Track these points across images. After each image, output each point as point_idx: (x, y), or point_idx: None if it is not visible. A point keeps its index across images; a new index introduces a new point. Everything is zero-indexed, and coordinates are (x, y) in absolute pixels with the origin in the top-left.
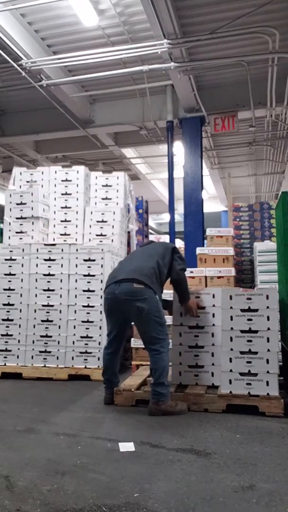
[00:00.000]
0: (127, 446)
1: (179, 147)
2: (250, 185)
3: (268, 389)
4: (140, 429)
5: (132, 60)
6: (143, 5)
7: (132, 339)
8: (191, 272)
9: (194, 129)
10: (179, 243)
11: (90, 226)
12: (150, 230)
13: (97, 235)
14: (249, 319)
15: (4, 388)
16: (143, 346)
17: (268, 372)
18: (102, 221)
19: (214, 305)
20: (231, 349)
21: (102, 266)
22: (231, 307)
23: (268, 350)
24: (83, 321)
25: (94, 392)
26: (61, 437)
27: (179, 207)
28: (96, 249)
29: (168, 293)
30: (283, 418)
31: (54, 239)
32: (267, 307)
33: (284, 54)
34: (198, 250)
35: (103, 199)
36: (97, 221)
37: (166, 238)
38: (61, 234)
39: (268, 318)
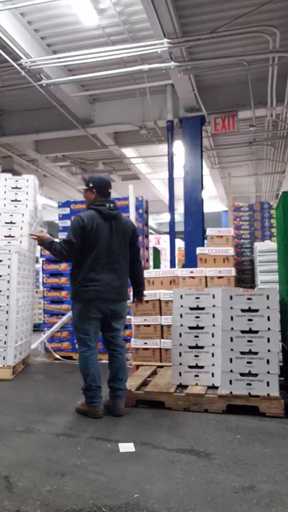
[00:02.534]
0: (127, 447)
1: (179, 147)
2: (250, 185)
3: (269, 389)
4: (140, 430)
5: (132, 60)
6: (143, 5)
7: (132, 339)
8: (191, 272)
9: (194, 129)
10: (179, 243)
11: None
12: (150, 230)
13: (5, 236)
14: (250, 319)
15: (2, 389)
16: (143, 347)
17: (268, 372)
18: (11, 223)
19: (214, 305)
20: (232, 350)
21: (9, 266)
22: (231, 307)
23: (269, 351)
24: None
25: None
26: (61, 438)
27: (179, 207)
28: (3, 249)
29: (168, 292)
30: (284, 418)
31: None
32: (268, 307)
33: (284, 54)
34: (198, 250)
35: (12, 201)
36: (6, 223)
37: (166, 238)
38: None
39: (268, 318)
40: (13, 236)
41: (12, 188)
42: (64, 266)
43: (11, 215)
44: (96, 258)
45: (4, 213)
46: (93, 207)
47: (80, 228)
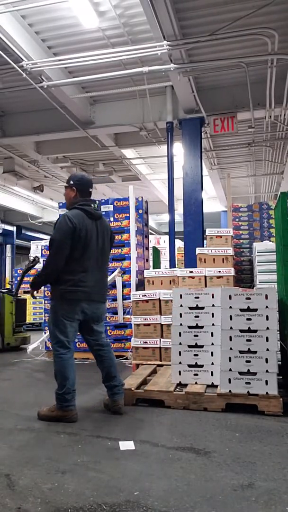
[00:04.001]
0: (127, 445)
1: (179, 148)
2: (249, 185)
3: (267, 388)
4: (140, 428)
5: (132, 62)
6: (143, 7)
7: (132, 338)
8: (191, 272)
9: (194, 130)
10: (179, 243)
11: None
12: (150, 230)
13: None
14: (248, 319)
15: (2, 387)
16: (143, 346)
17: (267, 371)
18: None
19: (213, 305)
20: (231, 349)
21: None
22: (230, 307)
23: (267, 350)
24: None
25: (93, 391)
26: (62, 436)
27: (179, 207)
28: None
29: (168, 292)
30: (282, 417)
31: None
32: (266, 307)
33: (283, 56)
34: (198, 250)
35: None
36: None
37: (166, 238)
38: None
39: (267, 317)
40: None
41: None
42: None
43: None
44: (86, 259)
45: None
46: (79, 206)
47: (70, 230)
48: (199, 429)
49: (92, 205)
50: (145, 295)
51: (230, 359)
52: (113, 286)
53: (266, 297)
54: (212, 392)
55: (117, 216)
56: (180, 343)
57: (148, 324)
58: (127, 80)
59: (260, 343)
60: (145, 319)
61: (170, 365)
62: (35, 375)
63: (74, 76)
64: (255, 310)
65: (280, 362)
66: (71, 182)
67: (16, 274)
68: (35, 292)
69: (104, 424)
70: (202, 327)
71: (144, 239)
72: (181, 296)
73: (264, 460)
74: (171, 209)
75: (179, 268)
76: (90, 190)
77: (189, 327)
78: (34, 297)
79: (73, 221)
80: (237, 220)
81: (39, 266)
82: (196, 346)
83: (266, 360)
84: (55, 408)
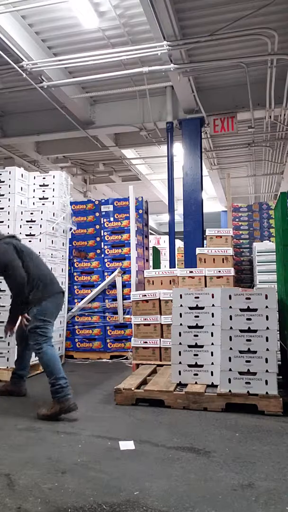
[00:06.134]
0: (127, 445)
1: (179, 148)
2: (249, 185)
3: (267, 388)
4: (140, 428)
5: (132, 62)
6: (143, 7)
7: (132, 338)
8: (191, 272)
9: (194, 130)
10: (179, 243)
11: (21, 226)
12: (150, 230)
13: (26, 235)
14: (248, 319)
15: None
16: (143, 346)
17: (267, 371)
18: (31, 221)
19: (213, 305)
20: (230, 348)
21: None
22: (230, 307)
23: (267, 349)
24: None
25: (93, 391)
26: (62, 436)
27: (179, 207)
28: None
29: (168, 292)
30: (282, 416)
31: None
32: (266, 307)
33: (283, 56)
34: (198, 250)
35: (40, 198)
36: (27, 221)
37: (165, 238)
38: None
39: (267, 317)
40: (33, 235)
41: (40, 186)
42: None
43: (31, 213)
44: (40, 264)
45: (25, 212)
46: (2, 237)
47: (11, 248)
48: (199, 429)
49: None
50: (145, 295)
51: (230, 359)
52: (113, 286)
53: (266, 297)
54: (212, 392)
55: (117, 216)
56: (180, 343)
57: (148, 324)
58: (127, 80)
59: (260, 343)
60: (145, 319)
61: (170, 365)
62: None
63: (74, 76)
64: (255, 310)
65: (280, 362)
66: None
67: None
68: (25, 315)
69: (104, 424)
70: (202, 327)
71: (144, 239)
72: (181, 296)
73: (264, 460)
74: (171, 209)
75: (179, 268)
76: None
77: (189, 327)
78: (11, 334)
79: (7, 241)
80: (237, 220)
81: None
82: (196, 346)
83: (266, 360)
84: (53, 403)
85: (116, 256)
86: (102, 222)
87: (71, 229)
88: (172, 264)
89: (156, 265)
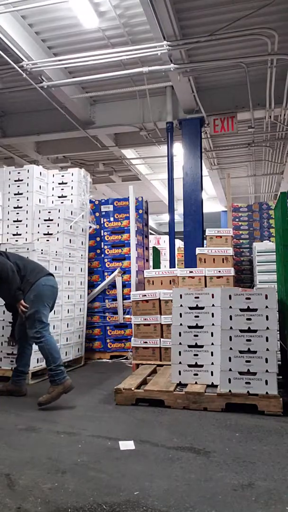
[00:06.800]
0: (127, 445)
1: (179, 148)
2: (249, 185)
3: (267, 388)
4: (140, 428)
5: (132, 62)
6: (143, 7)
7: (132, 338)
8: (191, 272)
9: (194, 130)
10: (179, 243)
11: (39, 225)
12: (150, 230)
13: (44, 234)
14: (248, 319)
15: None
16: (143, 346)
17: (267, 371)
18: (49, 220)
19: (213, 305)
20: (230, 348)
21: None
22: (230, 307)
23: (267, 349)
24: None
25: (93, 391)
26: (62, 436)
27: (179, 207)
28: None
29: (168, 292)
30: (282, 416)
31: (7, 239)
32: (266, 307)
33: (283, 56)
34: (198, 250)
35: (59, 197)
36: (45, 220)
37: (165, 238)
38: (13, 234)
39: (267, 317)
40: (50, 234)
41: (59, 184)
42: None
43: (49, 212)
44: (29, 262)
45: (43, 211)
46: None
47: (2, 257)
48: (199, 429)
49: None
50: (145, 295)
51: (230, 359)
52: (113, 286)
53: (266, 297)
54: (212, 392)
55: (117, 216)
56: (180, 343)
57: (148, 324)
58: (127, 80)
59: (260, 343)
60: (145, 319)
61: (170, 365)
62: None
63: (74, 76)
64: (255, 310)
65: (280, 362)
66: None
67: None
68: (22, 301)
69: (104, 424)
70: (202, 327)
71: (144, 239)
72: (181, 296)
73: (264, 460)
74: (171, 209)
75: (179, 268)
76: None
77: (189, 327)
78: (25, 308)
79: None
80: (237, 220)
81: None
82: (196, 346)
83: (266, 360)
84: (53, 387)
85: (116, 256)
86: (102, 222)
87: (91, 227)
88: (172, 264)
89: (156, 265)
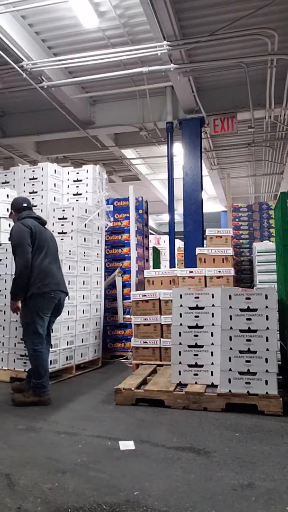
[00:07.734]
0: (127, 445)
1: (179, 148)
2: (249, 185)
3: (267, 388)
4: (140, 428)
5: (132, 62)
6: (143, 7)
7: (132, 338)
8: (191, 272)
9: (194, 130)
10: (179, 243)
11: (53, 224)
12: (150, 230)
13: (58, 233)
14: (248, 319)
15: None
16: (143, 346)
17: (267, 371)
18: (63, 218)
19: (213, 305)
20: (231, 348)
21: None
22: (230, 307)
23: (267, 349)
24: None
25: (93, 391)
26: (62, 436)
27: (179, 207)
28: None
29: (168, 292)
30: (282, 416)
31: None
32: (266, 307)
33: (283, 56)
34: (198, 250)
35: (74, 195)
36: (59, 218)
37: (165, 238)
38: None
39: (267, 317)
40: (65, 233)
41: (74, 181)
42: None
43: (63, 210)
44: (46, 257)
45: (57, 209)
46: (26, 216)
47: (27, 231)
48: (199, 429)
49: (35, 214)
50: (145, 295)
51: (230, 359)
52: (113, 286)
53: (266, 297)
54: (212, 392)
55: (117, 216)
56: (180, 343)
57: (148, 324)
58: (127, 80)
59: (260, 343)
60: (145, 319)
61: (170, 365)
62: None
63: (74, 76)
64: (255, 310)
65: (280, 362)
66: (11, 211)
67: None
68: (19, 303)
69: (104, 424)
70: (202, 327)
71: (144, 239)
72: (181, 296)
73: (264, 460)
74: (171, 209)
75: (179, 268)
76: (24, 204)
77: (189, 327)
78: (17, 311)
79: (26, 224)
80: (237, 220)
81: None
82: (196, 346)
83: (266, 360)
84: (30, 395)
85: (116, 256)
86: None
87: (107, 225)
88: (172, 264)
89: (156, 265)
